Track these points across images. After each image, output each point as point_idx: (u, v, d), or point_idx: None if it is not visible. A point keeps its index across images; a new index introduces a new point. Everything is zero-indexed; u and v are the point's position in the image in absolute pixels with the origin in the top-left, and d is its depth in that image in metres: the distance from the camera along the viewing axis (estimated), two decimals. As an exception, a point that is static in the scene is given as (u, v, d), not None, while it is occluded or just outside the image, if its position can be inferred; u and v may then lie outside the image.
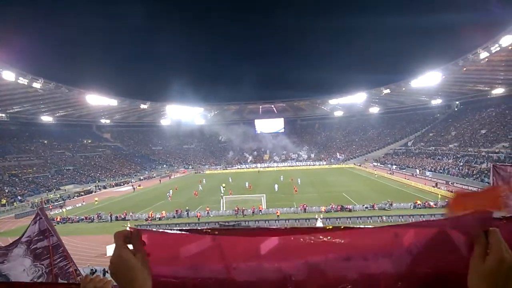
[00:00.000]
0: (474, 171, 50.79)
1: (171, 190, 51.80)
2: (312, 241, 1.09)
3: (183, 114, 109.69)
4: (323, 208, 35.71)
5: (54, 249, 4.37)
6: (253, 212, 36.12)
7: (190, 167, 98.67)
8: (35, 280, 4.04)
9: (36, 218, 4.45)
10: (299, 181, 59.03)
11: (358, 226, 1.08)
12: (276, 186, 53.59)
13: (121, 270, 1.01)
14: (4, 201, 47.71)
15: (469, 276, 0.88)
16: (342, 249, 1.09)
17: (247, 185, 56.29)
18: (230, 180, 64.49)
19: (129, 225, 31.88)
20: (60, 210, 44.23)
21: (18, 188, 54.72)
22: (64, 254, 4.52)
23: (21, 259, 4.07)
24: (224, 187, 54.27)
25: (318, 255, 1.09)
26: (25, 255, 4.11)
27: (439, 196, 39.90)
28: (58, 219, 38.05)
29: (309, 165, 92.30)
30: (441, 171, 57.79)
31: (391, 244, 1.11)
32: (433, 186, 47.79)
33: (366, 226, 1.09)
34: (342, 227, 1.08)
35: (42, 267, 4.15)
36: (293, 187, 52.63)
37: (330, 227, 1.07)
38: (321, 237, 1.08)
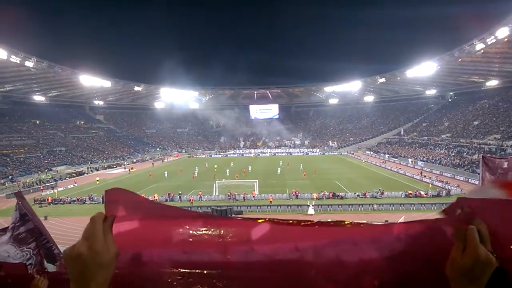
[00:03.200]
0: (466, 162, 51.35)
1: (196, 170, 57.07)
2: (302, 228, 1.11)
3: (177, 98, 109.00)
4: (315, 195, 35.98)
5: (37, 231, 4.31)
6: (244, 198, 36.39)
7: (183, 151, 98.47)
8: (25, 263, 3.92)
9: (17, 204, 4.37)
10: (301, 166, 59.92)
11: (350, 222, 1.11)
12: (279, 169, 56.62)
13: (87, 265, 0.86)
14: (-5, 180, 47.46)
15: (448, 268, 0.92)
16: (332, 237, 1.11)
17: (250, 168, 58.38)
18: (232, 164, 64.90)
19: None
20: (52, 191, 44.11)
21: (9, 168, 54.35)
22: (47, 237, 4.44)
23: (5, 246, 4.02)
24: (215, 168, 58.27)
25: (308, 241, 1.10)
26: (8, 242, 4.06)
27: (430, 186, 40.39)
28: (49, 200, 38.01)
29: (303, 153, 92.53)
30: (433, 161, 58.31)
31: (381, 235, 1.12)
32: (419, 174, 49.00)
33: (361, 222, 1.13)
34: (331, 222, 1.11)
35: (29, 251, 4.09)
36: (292, 172, 54.86)
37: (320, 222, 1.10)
38: (311, 226, 1.10)
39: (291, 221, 1.11)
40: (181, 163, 71.56)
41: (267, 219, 1.12)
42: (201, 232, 1.09)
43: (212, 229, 1.10)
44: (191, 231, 1.09)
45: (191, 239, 1.09)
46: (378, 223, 1.15)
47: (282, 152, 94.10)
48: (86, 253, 0.86)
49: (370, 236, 1.12)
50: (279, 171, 55.99)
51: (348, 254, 1.10)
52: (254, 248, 1.10)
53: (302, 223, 1.12)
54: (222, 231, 1.10)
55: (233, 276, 1.11)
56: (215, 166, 62.30)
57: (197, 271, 1.10)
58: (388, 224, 1.15)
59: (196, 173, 55.18)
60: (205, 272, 1.10)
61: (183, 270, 1.10)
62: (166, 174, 54.59)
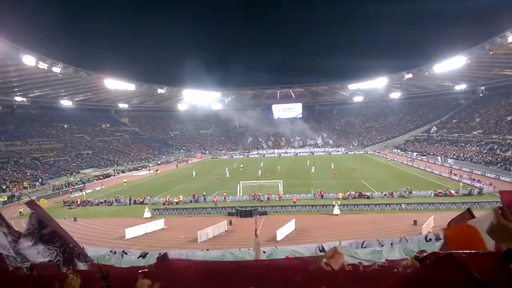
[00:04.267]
0: (498, 159, 49.11)
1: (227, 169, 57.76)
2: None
3: (200, 99, 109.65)
4: (340, 195, 35.14)
5: (60, 232, 4.52)
6: (268, 198, 35.93)
7: (207, 152, 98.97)
8: (53, 260, 4.22)
9: (33, 213, 4.49)
10: (332, 165, 59.14)
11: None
12: (312, 169, 56.15)
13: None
14: (26, 183, 48.85)
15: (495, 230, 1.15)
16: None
17: (279, 168, 58.27)
18: (262, 164, 64.76)
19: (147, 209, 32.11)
20: (80, 193, 45.25)
21: (39, 171, 56.06)
22: (67, 238, 4.61)
23: (33, 247, 4.19)
24: (241, 168, 60.30)
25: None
26: (33, 244, 4.21)
27: (461, 184, 38.74)
28: (78, 202, 38.94)
29: (326, 152, 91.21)
30: (463, 158, 56.12)
31: None
32: (449, 173, 47.42)
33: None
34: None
35: (56, 249, 4.29)
36: (317, 171, 54.41)
37: None
38: None
39: None
40: (205, 164, 71.88)
41: None
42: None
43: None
44: None
45: None
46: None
47: (305, 152, 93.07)
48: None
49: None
50: (312, 170, 55.33)
51: None
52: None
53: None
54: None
55: None
56: (241, 166, 62.95)
57: None
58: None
59: (227, 174, 55.02)
60: None
61: None
62: (194, 174, 56.17)
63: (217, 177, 52.55)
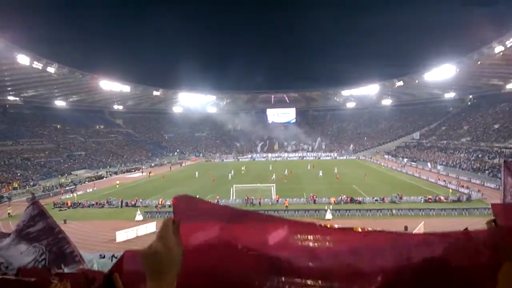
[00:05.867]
0: (486, 166, 50.46)
1: (232, 171, 59.29)
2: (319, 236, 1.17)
3: (195, 102, 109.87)
4: (332, 200, 35.95)
5: (48, 230, 4.17)
6: (259, 203, 36.61)
7: (201, 155, 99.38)
8: (38, 259, 3.85)
9: (26, 208, 4.30)
10: (335, 170, 59.85)
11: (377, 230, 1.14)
12: (320, 172, 56.80)
13: (162, 261, 1.02)
14: (16, 184, 48.67)
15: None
16: (349, 245, 1.13)
17: (286, 172, 58.42)
18: (271, 167, 65.57)
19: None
20: (71, 195, 44.72)
21: (30, 172, 55.89)
22: (61, 235, 4.24)
23: (13, 247, 3.94)
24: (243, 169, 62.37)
25: (324, 248, 1.14)
26: (16, 243, 3.98)
27: (450, 190, 39.84)
28: (68, 204, 38.68)
29: (315, 157, 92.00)
30: (452, 165, 57.46)
31: (401, 243, 1.13)
32: (437, 179, 48.80)
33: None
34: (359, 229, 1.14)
35: (42, 247, 3.95)
36: (309, 176, 55.45)
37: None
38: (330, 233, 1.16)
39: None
40: (200, 167, 72.24)
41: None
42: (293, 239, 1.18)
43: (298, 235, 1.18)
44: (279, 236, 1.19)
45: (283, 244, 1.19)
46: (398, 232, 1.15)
47: (295, 157, 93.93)
48: (161, 250, 1.01)
49: (390, 244, 1.12)
50: (320, 173, 56.20)
51: (366, 262, 1.12)
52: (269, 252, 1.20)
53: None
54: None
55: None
56: (243, 168, 64.13)
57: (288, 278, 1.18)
58: (409, 233, 1.19)
59: (230, 177, 55.47)
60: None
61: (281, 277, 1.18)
62: (197, 174, 59.17)
63: (214, 179, 53.26)
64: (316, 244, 1.15)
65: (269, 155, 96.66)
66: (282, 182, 48.99)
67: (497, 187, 42.10)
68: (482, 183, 44.70)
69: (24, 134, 71.26)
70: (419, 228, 24.79)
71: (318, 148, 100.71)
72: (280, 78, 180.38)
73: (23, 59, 55.56)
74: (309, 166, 67.20)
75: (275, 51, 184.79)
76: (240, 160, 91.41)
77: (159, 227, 1.10)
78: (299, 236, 1.18)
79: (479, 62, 64.09)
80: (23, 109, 79.48)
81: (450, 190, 40.00)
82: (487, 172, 48.34)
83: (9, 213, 34.07)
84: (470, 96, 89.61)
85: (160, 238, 1.06)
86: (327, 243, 1.15)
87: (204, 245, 1.21)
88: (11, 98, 72.19)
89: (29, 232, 4.05)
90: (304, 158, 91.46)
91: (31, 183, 51.24)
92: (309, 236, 1.17)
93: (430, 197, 36.19)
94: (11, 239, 4.04)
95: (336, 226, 1.16)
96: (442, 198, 35.99)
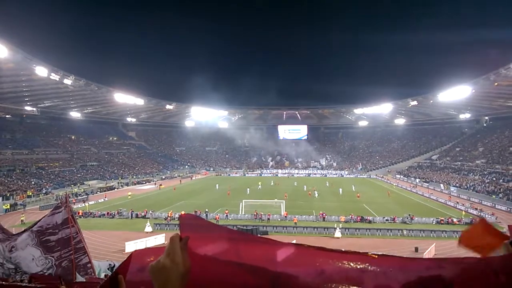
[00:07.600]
0: (501, 189, 49.28)
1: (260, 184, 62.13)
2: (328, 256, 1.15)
3: (207, 117, 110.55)
4: (342, 218, 35.41)
5: (66, 241, 4.39)
6: (268, 219, 36.22)
7: (212, 169, 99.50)
8: (45, 271, 4.13)
9: (54, 210, 4.47)
10: (353, 188, 59.98)
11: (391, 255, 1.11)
12: (340, 189, 57.21)
13: (169, 275, 1.07)
14: (30, 192, 49.42)
15: None
16: (357, 266, 1.10)
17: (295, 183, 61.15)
18: (296, 184, 66.62)
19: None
20: (83, 205, 45.53)
21: (44, 181, 56.69)
22: (79, 245, 4.57)
23: (30, 248, 4.14)
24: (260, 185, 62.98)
25: (332, 266, 1.12)
26: (34, 244, 4.18)
27: (463, 213, 38.94)
28: (80, 213, 39.05)
29: (332, 174, 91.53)
30: (466, 187, 56.28)
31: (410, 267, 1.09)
32: (448, 200, 48.19)
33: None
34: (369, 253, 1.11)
35: (52, 260, 4.22)
36: (321, 193, 54.64)
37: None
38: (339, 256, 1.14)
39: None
40: (210, 181, 72.33)
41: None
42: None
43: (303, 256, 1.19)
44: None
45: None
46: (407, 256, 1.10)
47: (303, 174, 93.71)
48: (169, 265, 1.07)
49: (400, 268, 1.07)
50: (340, 191, 56.28)
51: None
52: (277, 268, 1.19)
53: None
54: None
55: None
56: (260, 183, 64.31)
57: None
58: (420, 258, 1.11)
59: (248, 192, 55.28)
60: None
61: None
62: (217, 186, 61.25)
63: (229, 193, 53.49)
64: (321, 266, 1.14)
65: (279, 171, 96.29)
66: (308, 198, 50.03)
67: (509, 209, 41.29)
68: (494, 205, 43.73)
69: (39, 144, 72.58)
70: (431, 249, 24.17)
71: (328, 165, 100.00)
72: (293, 95, 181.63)
73: (41, 71, 56.69)
74: (327, 184, 67.34)
75: (288, 69, 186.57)
76: (246, 175, 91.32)
77: (167, 243, 1.15)
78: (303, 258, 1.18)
79: (496, 83, 63.21)
80: (39, 119, 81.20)
81: (463, 212, 39.10)
82: (501, 195, 47.24)
83: (22, 220, 34.65)
84: (486, 118, 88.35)
85: (168, 253, 1.11)
86: (330, 265, 1.13)
87: (209, 262, 1.23)
88: (28, 108, 73.52)
89: (48, 239, 4.24)
90: (311, 175, 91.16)
91: (44, 192, 51.89)
92: (316, 259, 1.16)
93: (442, 218, 35.41)
94: (30, 238, 4.19)
95: (342, 249, 1.15)
96: (454, 220, 35.13)
